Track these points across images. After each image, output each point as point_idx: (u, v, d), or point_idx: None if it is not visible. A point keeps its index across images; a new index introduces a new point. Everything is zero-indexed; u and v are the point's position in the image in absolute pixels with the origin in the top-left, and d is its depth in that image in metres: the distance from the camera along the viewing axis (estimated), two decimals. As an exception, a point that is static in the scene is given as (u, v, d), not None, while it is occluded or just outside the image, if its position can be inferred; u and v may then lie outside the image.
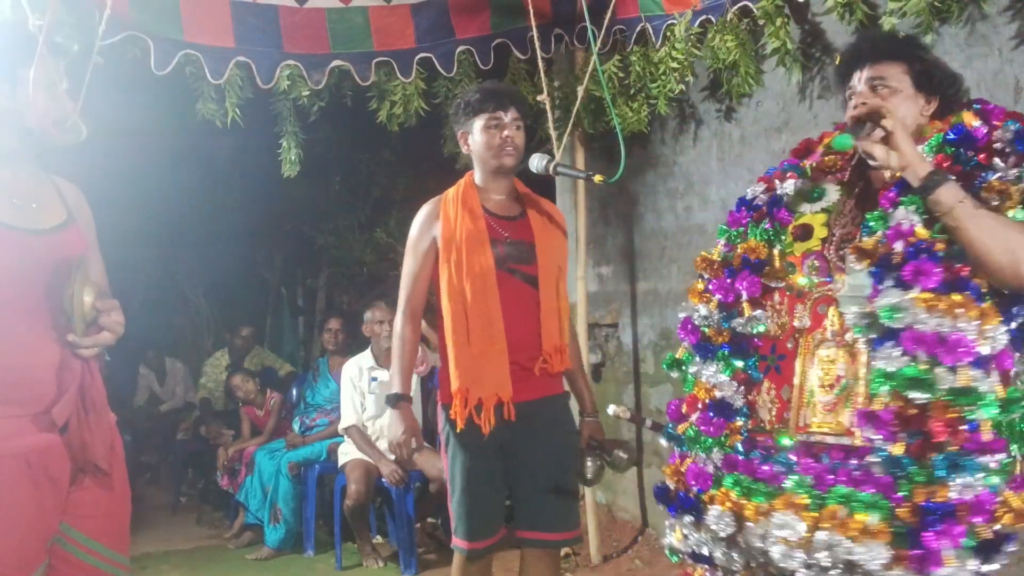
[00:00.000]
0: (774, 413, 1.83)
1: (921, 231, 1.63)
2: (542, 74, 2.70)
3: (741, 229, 1.95)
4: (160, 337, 8.07)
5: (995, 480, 1.54)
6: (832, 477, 1.65)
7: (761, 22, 3.30)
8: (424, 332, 4.91)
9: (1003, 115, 1.72)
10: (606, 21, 3.66)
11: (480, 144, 2.60)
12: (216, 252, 8.11)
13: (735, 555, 1.76)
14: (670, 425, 1.95)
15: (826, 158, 1.94)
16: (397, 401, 2.56)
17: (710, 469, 1.81)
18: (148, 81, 3.63)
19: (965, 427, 1.53)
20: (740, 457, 1.80)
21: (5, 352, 1.84)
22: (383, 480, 4.52)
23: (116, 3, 3.01)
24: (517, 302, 2.53)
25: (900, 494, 1.56)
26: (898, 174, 1.69)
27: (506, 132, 2.56)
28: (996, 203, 1.63)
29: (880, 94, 1.80)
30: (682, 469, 1.87)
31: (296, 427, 5.24)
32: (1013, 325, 1.63)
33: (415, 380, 4.78)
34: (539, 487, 2.55)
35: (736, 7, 3.36)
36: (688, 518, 1.83)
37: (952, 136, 1.72)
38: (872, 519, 1.56)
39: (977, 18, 2.77)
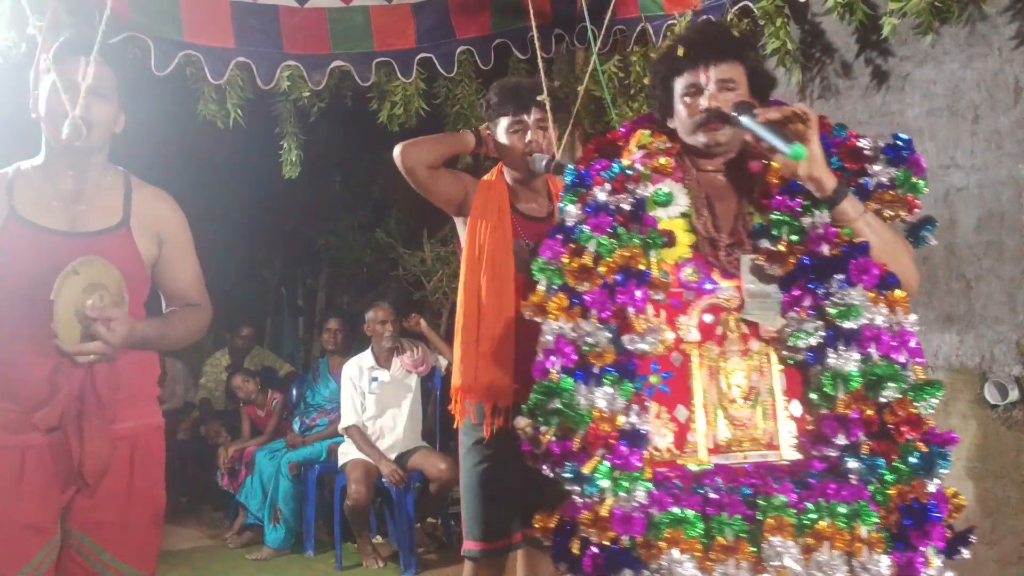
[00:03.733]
0: (671, 439, 1.69)
1: (844, 234, 1.68)
2: (542, 74, 2.69)
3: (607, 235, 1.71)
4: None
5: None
6: (801, 493, 1.58)
7: (761, 22, 3.30)
8: (423, 332, 4.93)
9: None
10: (606, 21, 3.65)
11: (504, 148, 2.55)
12: (216, 252, 8.10)
13: None
14: (571, 466, 1.61)
15: (660, 161, 1.81)
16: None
17: (637, 511, 1.57)
18: (148, 82, 3.63)
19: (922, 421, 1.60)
20: (675, 491, 1.60)
21: (4, 348, 1.84)
22: (383, 480, 4.52)
23: (116, 3, 3.01)
24: None
25: (875, 499, 1.58)
26: (776, 177, 1.73)
27: (529, 137, 2.51)
28: (890, 214, 1.74)
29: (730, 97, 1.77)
30: (603, 514, 1.57)
31: (296, 427, 5.24)
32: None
33: (415, 380, 4.78)
34: (539, 487, 2.52)
35: (736, 7, 3.36)
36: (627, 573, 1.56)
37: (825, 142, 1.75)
38: (864, 529, 1.54)
39: (977, 18, 2.77)
